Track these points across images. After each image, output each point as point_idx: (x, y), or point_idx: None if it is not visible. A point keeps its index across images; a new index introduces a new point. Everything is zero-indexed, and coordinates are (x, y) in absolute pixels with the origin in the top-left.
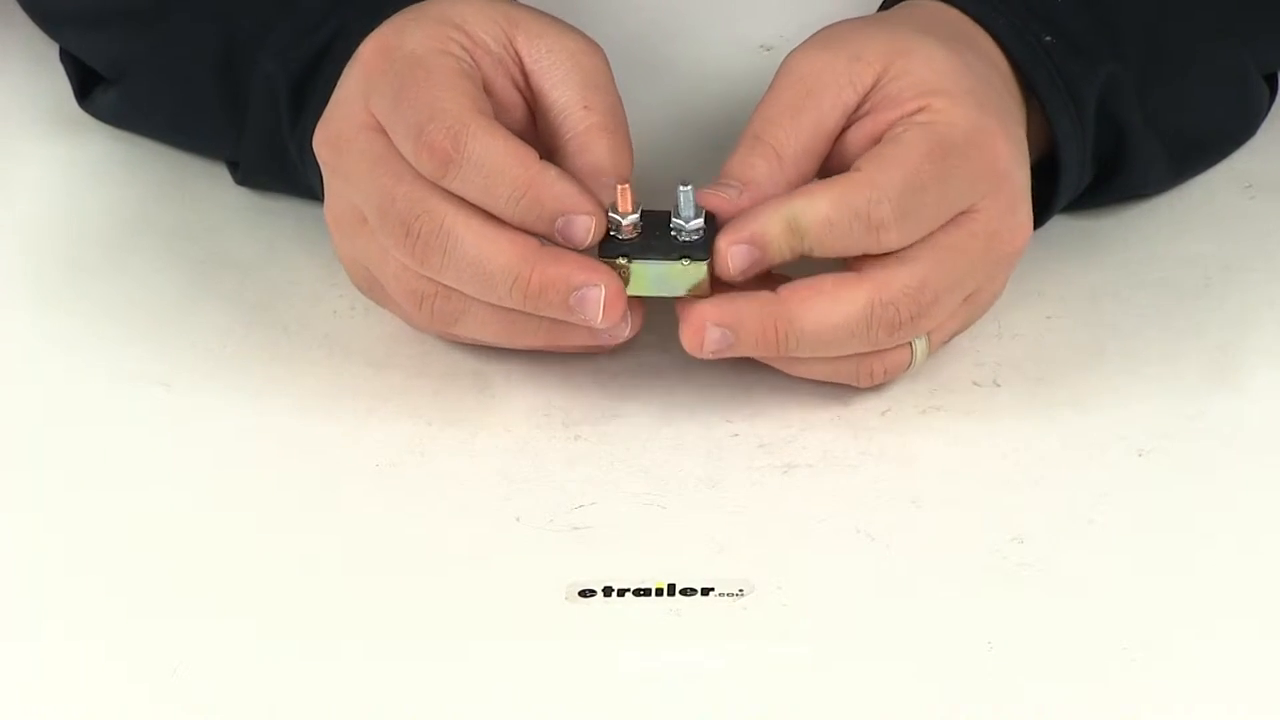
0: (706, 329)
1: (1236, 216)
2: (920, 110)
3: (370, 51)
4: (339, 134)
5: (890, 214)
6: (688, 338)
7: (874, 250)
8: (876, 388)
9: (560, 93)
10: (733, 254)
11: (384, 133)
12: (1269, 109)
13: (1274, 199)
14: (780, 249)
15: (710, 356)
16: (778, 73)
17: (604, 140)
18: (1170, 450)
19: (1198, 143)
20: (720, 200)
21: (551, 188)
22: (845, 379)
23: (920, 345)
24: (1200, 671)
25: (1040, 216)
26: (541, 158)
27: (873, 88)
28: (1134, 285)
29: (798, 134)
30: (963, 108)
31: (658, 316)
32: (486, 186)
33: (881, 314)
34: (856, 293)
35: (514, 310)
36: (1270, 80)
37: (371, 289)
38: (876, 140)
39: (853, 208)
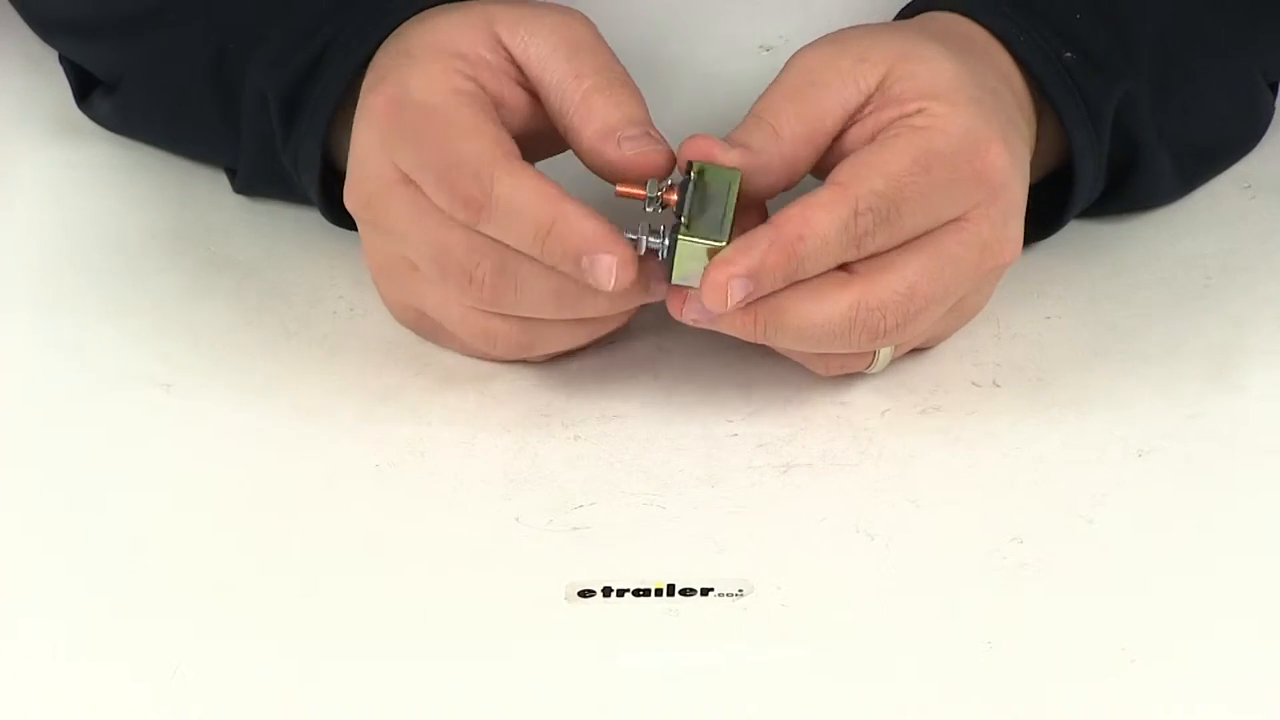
0: (690, 296)
1: (1236, 216)
2: (919, 112)
3: (380, 105)
4: (370, 194)
5: (870, 224)
6: (672, 300)
7: (856, 256)
8: (876, 387)
9: (550, 72)
10: (733, 287)
11: (416, 184)
12: (1272, 116)
13: (1274, 199)
14: (774, 280)
15: (690, 324)
16: (783, 67)
17: (603, 99)
18: (1170, 450)
19: (1206, 153)
20: (708, 142)
21: (574, 226)
22: (803, 362)
23: (884, 351)
24: (1200, 672)
25: (1051, 227)
26: (564, 137)
27: (876, 90)
28: (1134, 285)
29: (797, 118)
30: (962, 115)
31: (656, 317)
32: (513, 228)
33: (865, 319)
34: (843, 294)
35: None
36: (1274, 88)
37: (421, 327)
38: (872, 139)
39: (840, 222)
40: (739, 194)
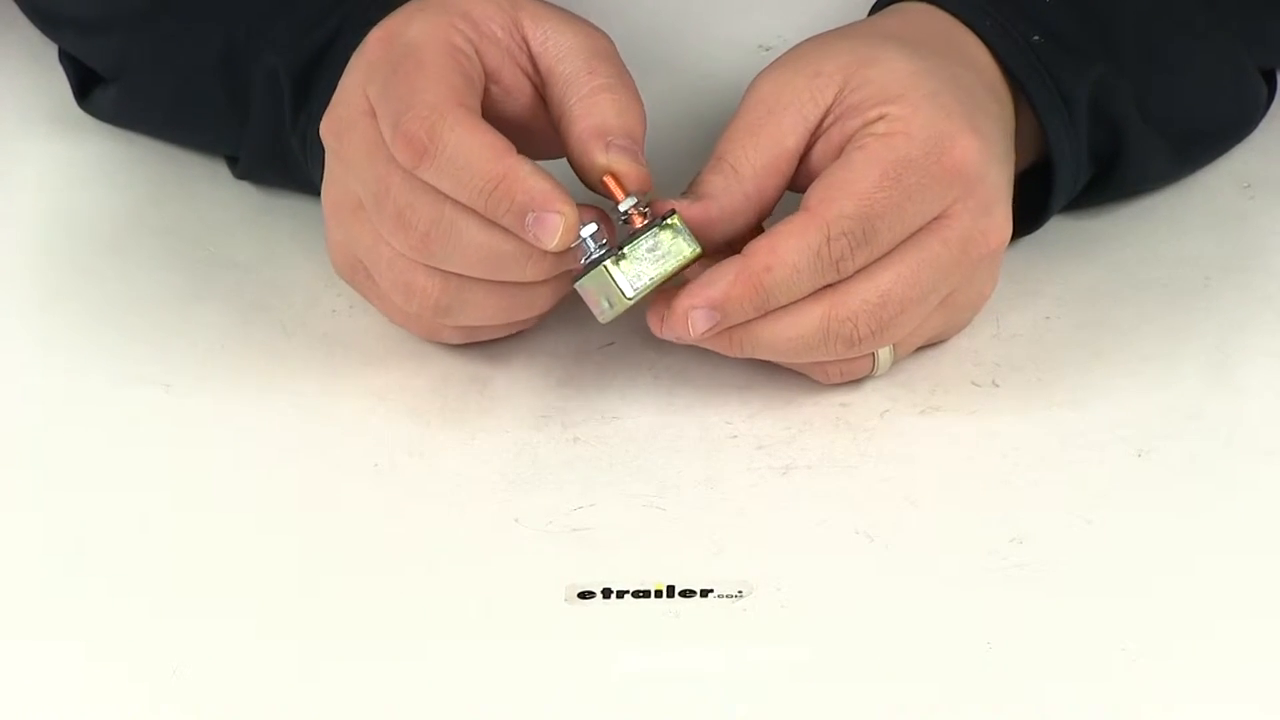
0: (665, 317)
1: (1236, 216)
2: (880, 119)
3: (374, 39)
4: (340, 119)
5: (846, 248)
6: (650, 316)
7: (837, 279)
8: (876, 387)
9: (566, 65)
10: (693, 318)
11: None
12: (1268, 106)
13: (1274, 199)
14: (744, 310)
15: (674, 340)
16: (743, 98)
17: (609, 99)
18: (1169, 450)
19: (1196, 138)
20: (672, 204)
21: (523, 182)
22: (805, 372)
23: (884, 354)
24: (1200, 671)
25: (1039, 217)
26: (557, 127)
27: (834, 101)
28: (1133, 285)
29: (756, 152)
30: (923, 114)
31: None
32: (459, 179)
33: (838, 330)
34: (813, 308)
35: (516, 286)
36: (1269, 77)
37: (355, 277)
38: (840, 152)
39: (812, 249)
40: (682, 270)
